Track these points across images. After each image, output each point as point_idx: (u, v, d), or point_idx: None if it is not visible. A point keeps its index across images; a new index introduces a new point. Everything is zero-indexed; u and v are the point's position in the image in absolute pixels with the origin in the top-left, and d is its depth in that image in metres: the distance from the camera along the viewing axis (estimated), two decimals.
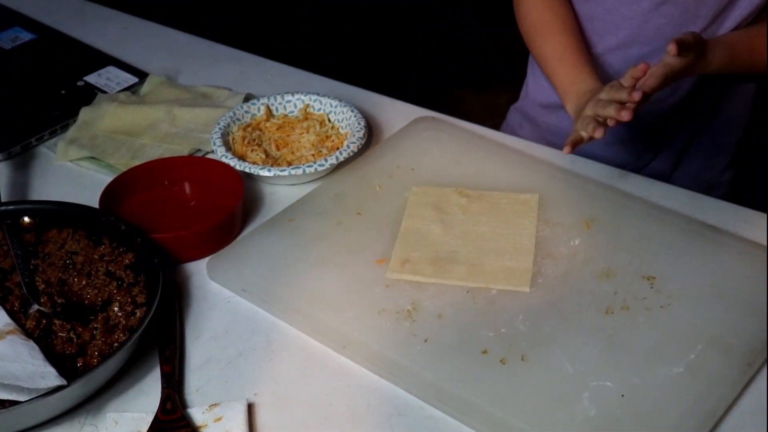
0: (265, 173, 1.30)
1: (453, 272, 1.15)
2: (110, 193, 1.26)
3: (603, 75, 1.36)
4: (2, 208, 1.21)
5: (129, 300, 1.10)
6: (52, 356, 1.01)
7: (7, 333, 1.02)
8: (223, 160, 1.32)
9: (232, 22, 2.88)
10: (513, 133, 1.56)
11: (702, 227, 1.22)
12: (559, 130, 1.51)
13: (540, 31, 1.42)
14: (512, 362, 1.04)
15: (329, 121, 1.44)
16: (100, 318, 1.08)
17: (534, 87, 1.56)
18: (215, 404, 1.00)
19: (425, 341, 1.07)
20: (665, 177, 1.48)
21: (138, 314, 1.08)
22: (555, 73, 1.37)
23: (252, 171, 1.30)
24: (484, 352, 1.05)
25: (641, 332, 1.07)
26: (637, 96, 1.15)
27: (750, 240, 1.20)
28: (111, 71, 1.59)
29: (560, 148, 1.28)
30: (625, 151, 1.48)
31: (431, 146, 1.38)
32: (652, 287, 1.13)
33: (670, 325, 1.08)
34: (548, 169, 1.34)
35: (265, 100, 1.45)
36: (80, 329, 1.06)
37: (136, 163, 1.35)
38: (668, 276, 1.14)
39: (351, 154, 1.34)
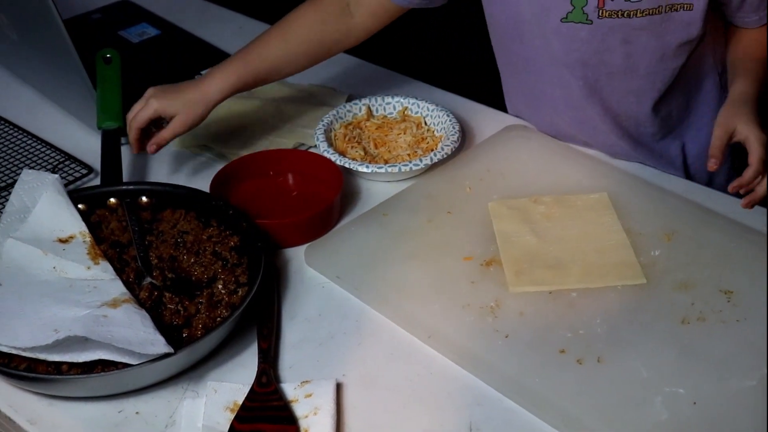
0: (363, 169, 1.31)
1: (569, 277, 1.13)
2: (220, 180, 1.28)
3: None
4: (123, 187, 1.24)
5: (232, 279, 1.12)
6: (160, 326, 1.03)
7: (123, 302, 1.04)
8: (325, 154, 1.33)
9: None
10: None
11: None
12: None
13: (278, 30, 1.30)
14: (588, 363, 1.02)
15: (425, 123, 1.44)
16: (205, 294, 1.10)
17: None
18: (306, 381, 1.01)
19: (506, 337, 1.06)
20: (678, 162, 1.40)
21: (240, 293, 1.10)
22: None
23: (351, 166, 1.31)
24: (562, 351, 1.04)
25: (716, 343, 1.04)
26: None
27: None
28: None
29: None
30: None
31: (520, 153, 1.37)
32: (728, 301, 1.10)
33: (744, 338, 1.05)
34: (634, 181, 1.31)
35: (366, 101, 1.45)
36: (187, 303, 1.08)
37: (246, 152, 1.37)
38: (745, 291, 1.11)
39: (444, 156, 1.33)
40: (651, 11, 1.19)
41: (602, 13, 1.19)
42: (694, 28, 1.21)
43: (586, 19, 1.21)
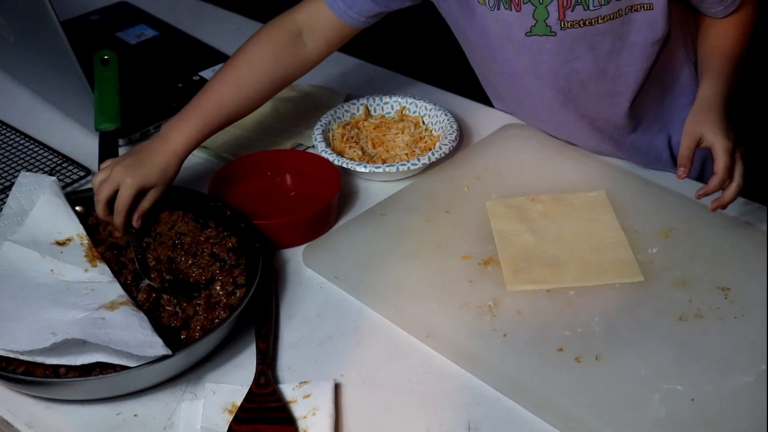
0: (361, 169, 1.31)
1: (567, 275, 1.13)
2: (218, 180, 1.28)
3: None
4: None
5: (230, 280, 1.12)
6: (158, 328, 1.03)
7: (120, 304, 1.04)
8: (323, 155, 1.33)
9: None
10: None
11: None
12: None
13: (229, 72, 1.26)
14: (586, 361, 1.02)
15: (423, 123, 1.44)
16: (203, 295, 1.10)
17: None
18: (305, 382, 1.01)
19: (504, 336, 1.06)
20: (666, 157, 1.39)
21: (238, 294, 1.10)
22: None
23: (349, 166, 1.31)
24: (560, 349, 1.04)
25: (714, 340, 1.04)
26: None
27: None
28: None
29: None
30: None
31: (518, 152, 1.37)
32: (726, 298, 1.10)
33: (742, 335, 1.05)
34: (631, 179, 1.31)
35: (364, 101, 1.45)
36: (185, 304, 1.08)
37: (243, 153, 1.37)
38: (743, 288, 1.11)
39: (442, 155, 1.33)
40: (612, 16, 1.19)
41: (564, 24, 1.20)
42: (658, 26, 1.21)
43: (550, 31, 1.21)
